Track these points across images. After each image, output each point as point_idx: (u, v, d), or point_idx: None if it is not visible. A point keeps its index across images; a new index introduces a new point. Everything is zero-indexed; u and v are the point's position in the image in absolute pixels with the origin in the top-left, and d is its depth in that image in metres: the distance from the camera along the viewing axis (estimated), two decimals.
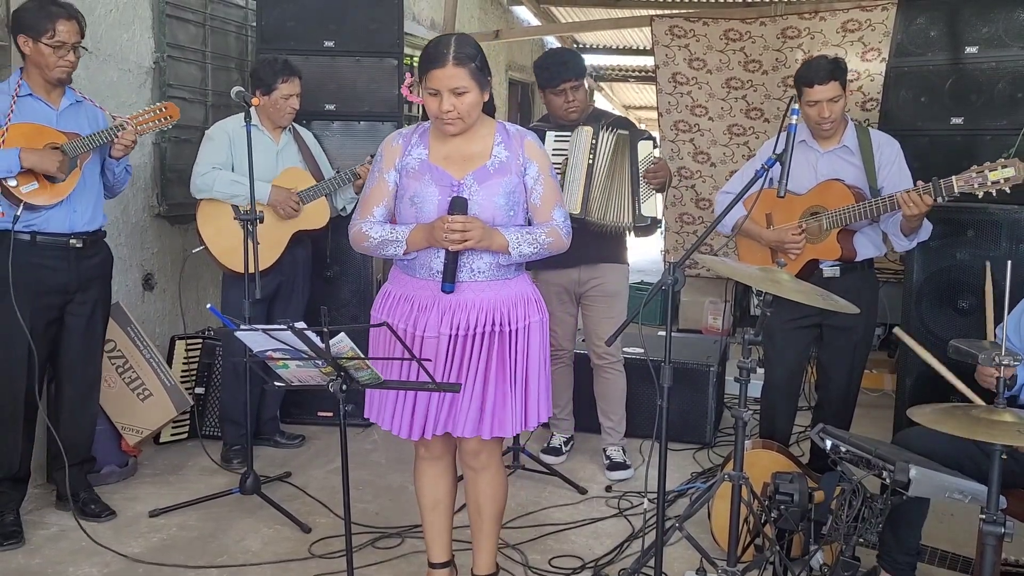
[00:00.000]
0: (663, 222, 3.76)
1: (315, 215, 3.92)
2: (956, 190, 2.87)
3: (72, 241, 3.11)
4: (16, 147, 2.93)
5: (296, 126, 4.00)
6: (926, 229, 3.16)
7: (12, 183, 2.94)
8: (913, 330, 3.84)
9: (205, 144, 3.73)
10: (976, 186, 2.85)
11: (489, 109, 2.49)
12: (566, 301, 3.84)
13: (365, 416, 2.56)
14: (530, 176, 2.46)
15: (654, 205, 3.64)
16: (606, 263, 3.75)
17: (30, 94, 3.05)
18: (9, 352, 3.05)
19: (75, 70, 3.10)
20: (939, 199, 2.91)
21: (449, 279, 2.38)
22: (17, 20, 3.01)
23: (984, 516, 2.05)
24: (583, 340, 3.97)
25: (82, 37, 3.07)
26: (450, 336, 2.40)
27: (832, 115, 3.12)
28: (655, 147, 3.64)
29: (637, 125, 3.94)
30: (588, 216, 3.57)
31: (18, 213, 2.96)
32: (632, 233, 3.70)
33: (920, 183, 2.96)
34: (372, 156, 3.90)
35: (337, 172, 3.97)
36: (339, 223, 4.02)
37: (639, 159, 3.60)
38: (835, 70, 3.10)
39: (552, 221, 2.48)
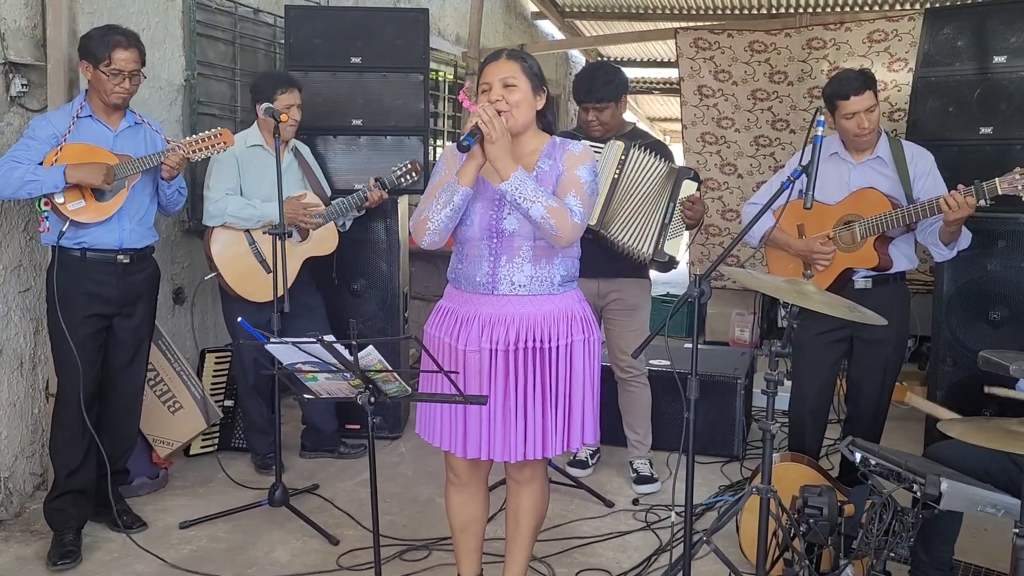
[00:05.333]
0: (679, 262, 3.67)
1: (324, 241, 3.91)
2: (999, 191, 2.84)
3: (120, 257, 3.17)
4: (64, 164, 3.00)
5: (296, 143, 3.97)
6: (966, 237, 3.12)
7: (60, 200, 3.02)
8: (943, 342, 3.80)
9: (214, 169, 3.71)
10: (1020, 188, 2.81)
11: (547, 126, 2.51)
12: None
13: (416, 432, 2.57)
14: (561, 175, 2.42)
15: (678, 245, 3.58)
16: (626, 277, 3.74)
17: (90, 116, 3.14)
18: (64, 364, 3.11)
19: (133, 95, 3.17)
20: (982, 201, 2.87)
21: (467, 137, 2.30)
22: (81, 46, 3.12)
23: (1018, 530, 2.02)
24: (607, 353, 3.97)
25: (142, 65, 3.15)
26: (491, 351, 2.39)
27: (870, 125, 3.10)
28: (698, 189, 3.58)
29: (666, 143, 3.91)
30: (604, 230, 3.55)
31: (63, 229, 3.04)
32: (648, 265, 3.64)
33: (961, 186, 2.92)
34: (377, 179, 3.93)
35: (343, 196, 3.96)
36: (353, 230, 4.08)
37: (679, 196, 3.52)
38: (867, 80, 3.09)
39: (565, 202, 2.35)
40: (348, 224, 4.08)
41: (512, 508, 2.61)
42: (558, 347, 2.41)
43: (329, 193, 4.03)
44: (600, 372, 2.54)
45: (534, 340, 2.39)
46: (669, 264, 3.61)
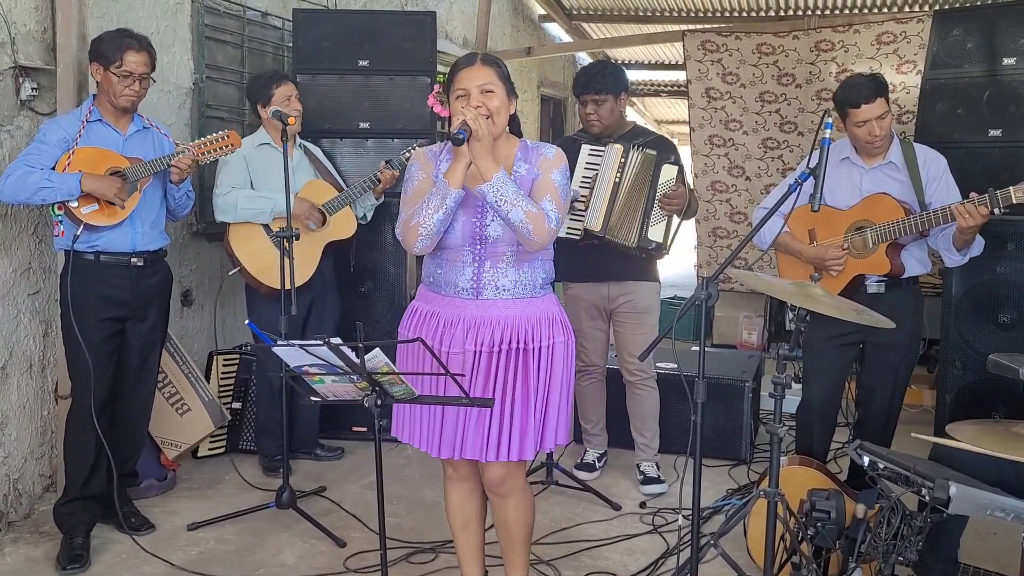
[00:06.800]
0: (669, 249, 3.68)
1: (342, 225, 3.95)
2: (1014, 200, 2.81)
3: (134, 260, 3.18)
4: (79, 171, 3.01)
5: (305, 143, 4.03)
6: (979, 244, 3.10)
7: (73, 204, 3.03)
8: (952, 345, 3.79)
9: (222, 168, 3.75)
10: None
11: (516, 130, 2.50)
12: (596, 317, 3.83)
13: (393, 435, 2.57)
14: (536, 179, 2.43)
15: (662, 230, 3.60)
16: (635, 280, 3.74)
17: (99, 120, 3.15)
18: (77, 368, 3.13)
19: (142, 99, 3.19)
20: (996, 210, 2.86)
21: (460, 131, 2.26)
22: (92, 48, 3.13)
23: None
24: (615, 356, 3.96)
25: (152, 69, 3.16)
26: (475, 352, 2.40)
27: (882, 132, 3.08)
28: (680, 173, 3.59)
29: (673, 142, 3.90)
30: (608, 235, 3.58)
31: (77, 233, 3.05)
32: (636, 254, 3.66)
33: (975, 194, 2.90)
34: (388, 161, 3.96)
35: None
36: (361, 232, 4.08)
37: (659, 182, 3.56)
38: (878, 86, 3.06)
39: (542, 207, 2.36)
40: (369, 215, 4.12)
41: (500, 521, 2.58)
42: (540, 348, 2.42)
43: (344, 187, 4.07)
44: (573, 374, 2.55)
45: (518, 341, 2.40)
46: (657, 250, 3.62)
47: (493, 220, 2.38)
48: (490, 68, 2.38)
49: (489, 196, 2.30)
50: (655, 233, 3.59)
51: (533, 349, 2.41)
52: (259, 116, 3.88)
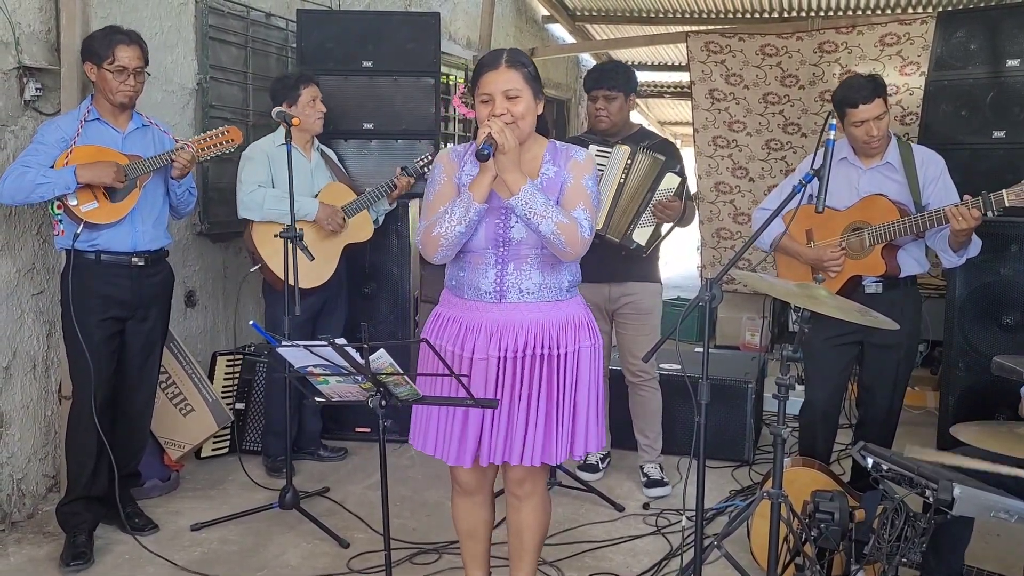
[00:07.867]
0: (647, 253, 3.69)
1: (361, 228, 3.99)
2: (1007, 203, 2.81)
3: (134, 259, 3.17)
4: (74, 165, 3.01)
5: (322, 146, 4.06)
6: (975, 245, 3.10)
7: (73, 202, 3.03)
8: (956, 347, 3.79)
9: (246, 165, 3.78)
10: None
11: (543, 129, 2.45)
12: (598, 318, 3.80)
13: (410, 442, 2.53)
14: (566, 183, 2.39)
15: (647, 234, 3.61)
16: (637, 281, 3.75)
17: (98, 118, 3.15)
18: (78, 368, 3.12)
19: (139, 95, 3.18)
20: (989, 213, 2.85)
21: (486, 146, 2.21)
22: (84, 48, 3.14)
23: None
24: (618, 357, 3.96)
25: (145, 63, 3.16)
26: (499, 358, 2.35)
27: (879, 132, 3.09)
28: (681, 185, 3.60)
29: (676, 145, 3.91)
30: (608, 234, 3.59)
31: (78, 231, 3.05)
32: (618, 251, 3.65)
33: (968, 197, 2.90)
34: (404, 168, 4.00)
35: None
36: (375, 235, 4.11)
37: (659, 188, 3.57)
38: (877, 87, 3.06)
39: (575, 216, 2.33)
40: (380, 219, 4.17)
41: (514, 524, 2.55)
42: (566, 353, 2.37)
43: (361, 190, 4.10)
44: (602, 378, 2.52)
45: (543, 347, 2.36)
46: (636, 252, 3.63)
47: (517, 222, 2.34)
48: (516, 71, 2.31)
49: (518, 209, 2.26)
50: (640, 235, 3.61)
51: (559, 355, 2.36)
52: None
